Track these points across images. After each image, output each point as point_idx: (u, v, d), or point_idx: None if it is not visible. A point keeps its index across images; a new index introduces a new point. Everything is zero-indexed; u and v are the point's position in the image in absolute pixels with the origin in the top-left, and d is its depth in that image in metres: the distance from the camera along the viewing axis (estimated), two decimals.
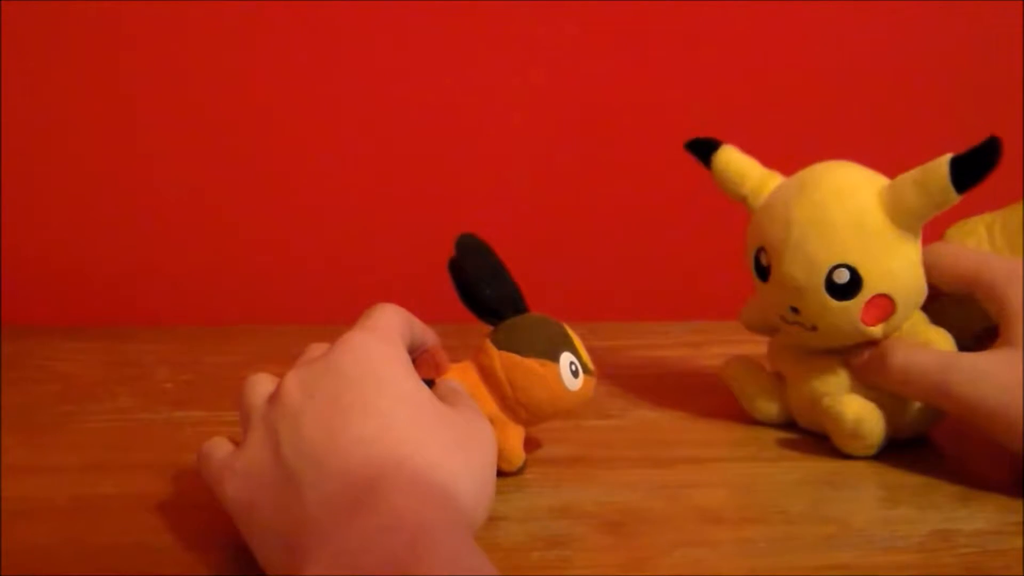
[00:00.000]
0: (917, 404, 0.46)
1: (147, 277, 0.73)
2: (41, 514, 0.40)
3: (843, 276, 0.43)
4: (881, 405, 0.46)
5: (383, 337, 0.37)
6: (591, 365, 0.44)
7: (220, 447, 0.36)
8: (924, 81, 0.75)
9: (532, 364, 0.42)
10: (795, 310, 0.46)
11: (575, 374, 0.43)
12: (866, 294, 0.44)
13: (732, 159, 0.48)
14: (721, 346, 0.58)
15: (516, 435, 0.43)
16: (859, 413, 0.45)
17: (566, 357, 0.42)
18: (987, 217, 0.48)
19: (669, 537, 0.38)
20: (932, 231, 0.47)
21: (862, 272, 0.43)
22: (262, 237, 0.73)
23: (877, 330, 0.45)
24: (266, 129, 0.71)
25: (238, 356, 0.63)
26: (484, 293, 0.43)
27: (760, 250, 0.47)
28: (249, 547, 0.33)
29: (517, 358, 0.42)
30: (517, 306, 0.44)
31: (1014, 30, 0.74)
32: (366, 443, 0.32)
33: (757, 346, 0.53)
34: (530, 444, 0.46)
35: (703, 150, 0.49)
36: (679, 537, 0.38)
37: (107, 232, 0.72)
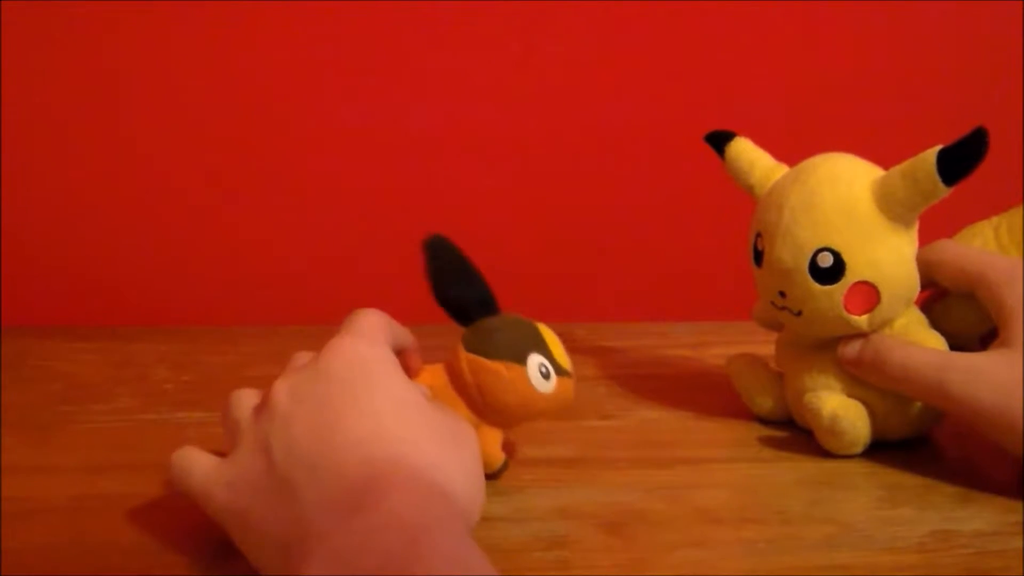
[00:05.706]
0: (916, 404, 0.46)
1: (147, 277, 0.73)
2: (41, 514, 0.40)
3: (827, 260, 0.44)
4: (876, 405, 0.46)
5: (371, 340, 0.37)
6: (567, 366, 0.42)
7: (197, 462, 0.36)
8: (930, 82, 0.75)
9: (498, 367, 0.40)
10: (783, 294, 0.46)
11: (546, 376, 0.41)
12: (849, 279, 0.44)
13: (744, 149, 0.49)
14: (721, 347, 0.58)
15: (492, 438, 0.42)
16: (835, 410, 0.45)
17: (534, 359, 0.41)
18: (994, 220, 0.48)
19: (669, 538, 0.38)
20: (943, 235, 0.47)
21: (846, 257, 0.43)
22: (262, 237, 0.73)
23: (862, 320, 0.45)
24: (266, 130, 0.71)
25: (238, 356, 0.63)
26: (447, 294, 0.42)
27: (758, 236, 0.47)
28: (244, 554, 0.33)
29: (483, 361, 0.41)
30: (486, 307, 0.43)
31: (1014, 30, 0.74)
32: (361, 443, 0.32)
33: (757, 347, 0.53)
34: (508, 446, 0.44)
35: (719, 141, 0.50)
36: (679, 538, 0.38)
37: (107, 232, 0.72)
